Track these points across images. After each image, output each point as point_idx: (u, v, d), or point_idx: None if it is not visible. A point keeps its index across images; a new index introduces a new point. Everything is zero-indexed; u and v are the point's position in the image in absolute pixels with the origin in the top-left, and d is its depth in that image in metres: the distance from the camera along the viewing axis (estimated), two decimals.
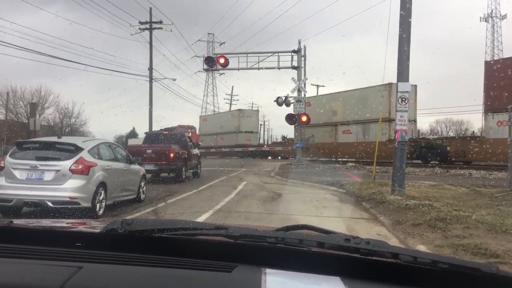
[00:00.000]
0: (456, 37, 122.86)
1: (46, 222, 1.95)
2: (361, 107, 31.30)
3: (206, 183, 17.24)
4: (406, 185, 11.93)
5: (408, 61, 11.34)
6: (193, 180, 19.07)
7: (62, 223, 1.99)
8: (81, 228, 1.86)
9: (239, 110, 52.86)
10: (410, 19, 11.30)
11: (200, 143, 57.47)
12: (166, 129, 53.51)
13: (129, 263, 1.34)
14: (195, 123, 64.51)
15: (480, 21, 64.96)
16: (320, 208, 10.87)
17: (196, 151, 21.47)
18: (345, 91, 34.79)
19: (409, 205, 9.44)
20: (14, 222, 1.59)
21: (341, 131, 34.68)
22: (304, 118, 29.24)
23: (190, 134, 54.24)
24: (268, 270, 1.32)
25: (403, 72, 11.32)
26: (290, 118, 30.07)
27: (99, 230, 1.57)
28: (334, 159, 33.84)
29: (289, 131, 43.99)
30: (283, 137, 47.73)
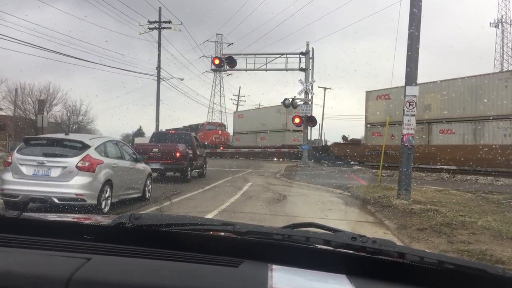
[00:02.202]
0: (465, 41, 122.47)
1: (53, 217, 1.97)
2: (471, 100, 25.13)
3: (211, 183, 17.26)
4: (412, 190, 11.87)
5: (417, 61, 11.29)
6: (199, 180, 19.10)
7: (68, 217, 2.01)
8: (89, 221, 1.88)
9: None
10: (420, 16, 11.22)
11: (228, 143, 54.33)
12: (190, 127, 52.77)
13: (136, 256, 1.35)
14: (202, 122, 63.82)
15: (490, 26, 64.58)
16: (325, 210, 10.85)
17: (202, 151, 21.52)
18: (447, 80, 27.93)
19: (415, 209, 9.40)
20: (24, 214, 1.61)
21: (438, 130, 27.28)
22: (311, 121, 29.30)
23: (220, 132, 52.48)
24: (274, 266, 1.33)
25: (411, 73, 11.28)
26: (297, 120, 30.08)
27: (107, 224, 1.59)
28: (424, 166, 27.00)
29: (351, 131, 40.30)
30: (344, 137, 40.71)
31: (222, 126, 56.25)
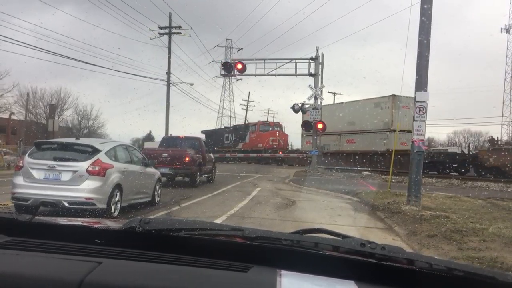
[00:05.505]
0: (475, 47, 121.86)
1: (63, 221, 1.99)
2: None
3: (220, 188, 17.28)
4: (422, 196, 11.80)
5: (427, 68, 11.27)
6: (207, 185, 19.13)
7: (78, 221, 2.03)
8: (100, 225, 1.89)
9: (393, 96, 31.56)
10: (429, 25, 11.22)
11: (288, 146, 47.09)
12: (234, 127, 49.82)
13: (147, 260, 1.37)
14: (212, 127, 62.65)
15: (501, 32, 63.80)
16: (335, 216, 10.81)
17: (210, 156, 21.57)
18: None
19: (425, 216, 9.34)
20: (36, 218, 1.63)
21: None
22: (320, 126, 29.17)
23: (277, 133, 45.85)
24: (283, 272, 1.33)
25: (421, 80, 11.25)
26: (306, 125, 30.04)
27: (117, 228, 1.61)
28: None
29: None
30: (492, 140, 31.06)
31: (279, 126, 48.42)
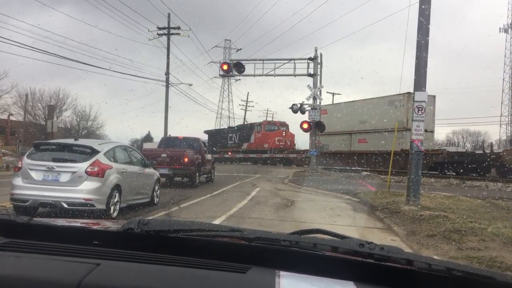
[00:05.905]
0: (474, 47, 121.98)
1: (62, 222, 1.98)
2: None
3: (220, 189, 17.26)
4: (421, 196, 11.80)
5: (426, 68, 11.27)
6: (207, 185, 19.12)
7: (77, 222, 2.02)
8: (98, 227, 1.89)
9: (408, 94, 27.88)
10: (427, 25, 11.24)
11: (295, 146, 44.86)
12: (238, 127, 48.93)
13: (145, 261, 1.36)
14: (211, 127, 62.23)
15: (500, 31, 63.74)
16: (334, 216, 10.81)
17: (210, 156, 21.58)
18: None
19: (424, 215, 9.34)
20: (34, 219, 1.63)
21: None
22: (318, 126, 29.15)
23: (283, 133, 44.47)
24: (282, 273, 1.33)
25: (420, 80, 11.25)
26: (305, 126, 29.99)
27: (116, 229, 1.60)
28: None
29: None
30: None
31: (285, 126, 46.49)
